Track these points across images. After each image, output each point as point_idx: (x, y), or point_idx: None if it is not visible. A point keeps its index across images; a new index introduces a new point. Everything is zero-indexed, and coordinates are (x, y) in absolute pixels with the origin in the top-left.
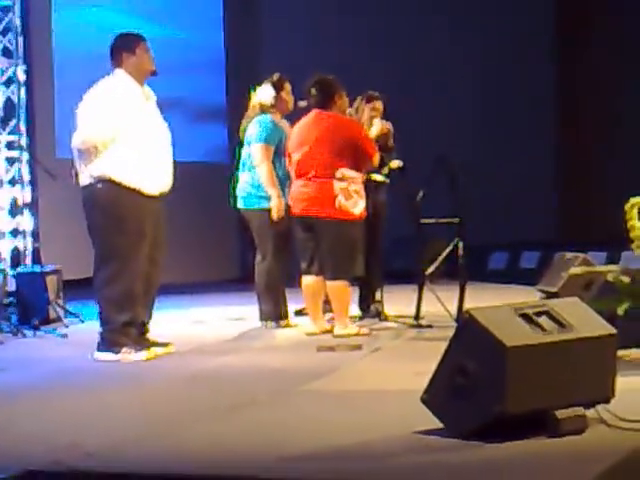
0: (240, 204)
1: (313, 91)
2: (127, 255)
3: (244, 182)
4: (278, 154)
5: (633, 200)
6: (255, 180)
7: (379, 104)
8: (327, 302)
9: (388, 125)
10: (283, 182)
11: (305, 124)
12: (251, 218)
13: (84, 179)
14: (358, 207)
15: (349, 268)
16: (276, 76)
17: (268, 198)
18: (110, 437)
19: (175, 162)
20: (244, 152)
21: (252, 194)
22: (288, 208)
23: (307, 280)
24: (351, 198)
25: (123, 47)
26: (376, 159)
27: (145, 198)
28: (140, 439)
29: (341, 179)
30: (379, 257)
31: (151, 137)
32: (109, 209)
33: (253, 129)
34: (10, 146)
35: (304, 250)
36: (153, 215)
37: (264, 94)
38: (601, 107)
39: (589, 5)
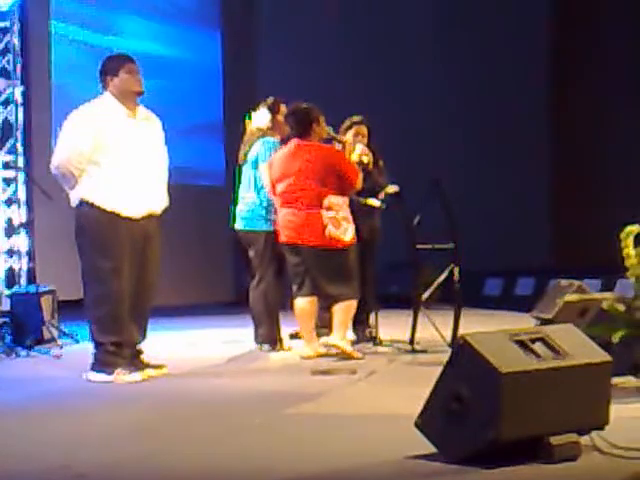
0: (242, 225)
1: (290, 120)
2: (108, 278)
3: (250, 202)
4: None
5: (628, 228)
6: (263, 201)
7: (363, 129)
8: (320, 327)
9: (366, 151)
10: None
11: (285, 155)
12: (253, 240)
13: (72, 201)
14: (348, 234)
15: (348, 291)
16: (270, 99)
17: (272, 220)
18: (101, 458)
19: (169, 184)
20: (247, 173)
21: (259, 215)
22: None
23: (299, 303)
24: (340, 226)
25: (107, 70)
26: (359, 182)
27: (125, 220)
28: (131, 461)
29: (329, 208)
30: (372, 281)
31: (134, 158)
32: (90, 232)
33: (258, 150)
34: (7, 166)
35: (295, 274)
36: (137, 237)
37: (260, 119)
38: (595, 135)
39: (582, 28)
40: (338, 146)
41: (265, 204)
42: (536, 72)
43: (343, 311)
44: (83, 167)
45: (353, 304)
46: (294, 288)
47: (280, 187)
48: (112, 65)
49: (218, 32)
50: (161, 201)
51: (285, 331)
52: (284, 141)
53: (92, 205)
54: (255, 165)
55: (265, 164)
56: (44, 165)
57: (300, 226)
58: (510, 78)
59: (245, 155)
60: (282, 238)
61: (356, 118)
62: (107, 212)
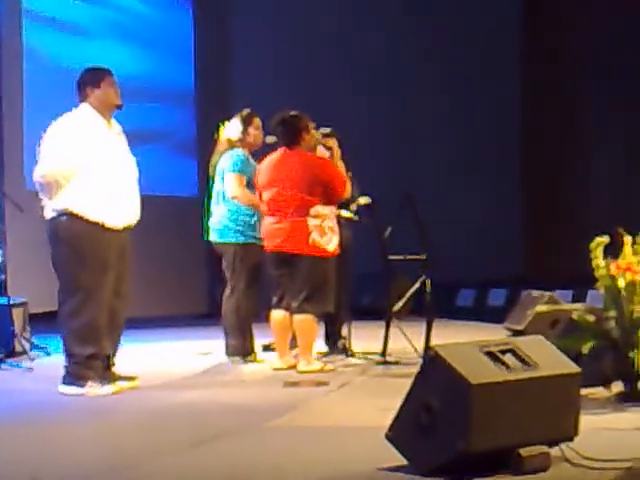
0: (214, 237)
1: (279, 130)
2: (91, 288)
3: (219, 215)
4: (250, 187)
5: (598, 239)
6: (232, 213)
7: (333, 142)
8: (295, 338)
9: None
10: (255, 215)
11: (273, 163)
12: (224, 251)
13: (48, 212)
14: (332, 243)
15: (319, 303)
16: (246, 111)
17: (243, 232)
18: (71, 471)
19: (142, 195)
20: (217, 186)
21: (227, 227)
22: (261, 244)
23: (276, 315)
24: (325, 235)
25: (88, 81)
26: (346, 192)
27: (108, 231)
28: (102, 473)
29: (315, 216)
30: (345, 293)
31: (115, 170)
32: (72, 243)
33: (225, 162)
34: None
35: (276, 286)
36: (117, 248)
37: (232, 129)
38: (567, 147)
39: (556, 40)
40: (326, 152)
41: (234, 216)
42: (508, 83)
43: (303, 334)
44: (69, 176)
45: (312, 323)
46: (273, 299)
47: (266, 195)
48: (93, 77)
49: (191, 46)
50: (137, 213)
51: (258, 342)
52: (255, 153)
53: (75, 215)
54: (222, 178)
55: (232, 174)
56: (16, 177)
57: (286, 234)
58: (482, 91)
59: (214, 166)
60: (267, 247)
61: (325, 131)
62: (91, 223)
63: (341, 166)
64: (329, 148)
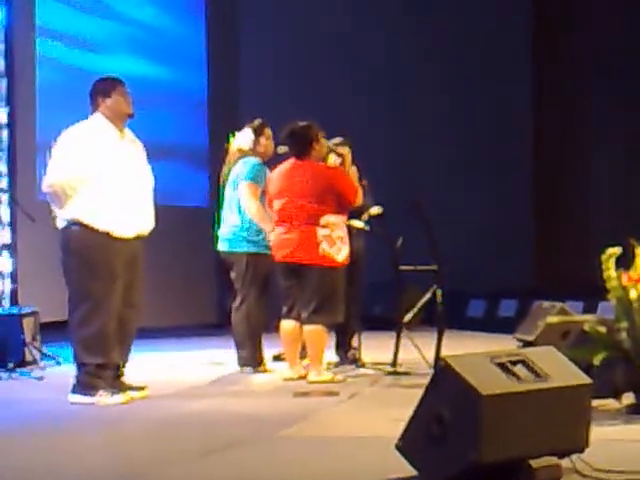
0: (224, 246)
1: (289, 141)
2: (99, 297)
3: (231, 224)
4: (262, 196)
5: (610, 250)
6: (245, 222)
7: (344, 149)
8: (305, 348)
9: (353, 170)
10: None
11: (283, 173)
12: (234, 261)
13: (59, 222)
14: (342, 254)
15: (328, 314)
16: (257, 122)
17: (254, 242)
18: None
19: (155, 205)
20: (228, 195)
21: (239, 236)
22: (271, 254)
23: (286, 325)
24: (334, 245)
25: (100, 91)
26: (358, 198)
27: (117, 241)
28: None
29: (324, 226)
30: (357, 303)
31: (126, 179)
32: (80, 253)
33: (239, 169)
34: None
35: (286, 297)
36: (127, 257)
37: (243, 139)
38: (577, 160)
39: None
40: (337, 159)
41: (247, 226)
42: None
43: (313, 344)
44: (78, 187)
45: (322, 333)
46: (283, 309)
47: (276, 205)
48: (104, 86)
49: (204, 57)
50: (150, 222)
51: (268, 352)
52: (268, 162)
53: (83, 225)
54: (235, 186)
55: (246, 182)
56: (28, 187)
57: (295, 244)
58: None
59: (226, 176)
60: (277, 257)
61: (336, 140)
62: (99, 232)
63: (353, 173)
64: (340, 155)
